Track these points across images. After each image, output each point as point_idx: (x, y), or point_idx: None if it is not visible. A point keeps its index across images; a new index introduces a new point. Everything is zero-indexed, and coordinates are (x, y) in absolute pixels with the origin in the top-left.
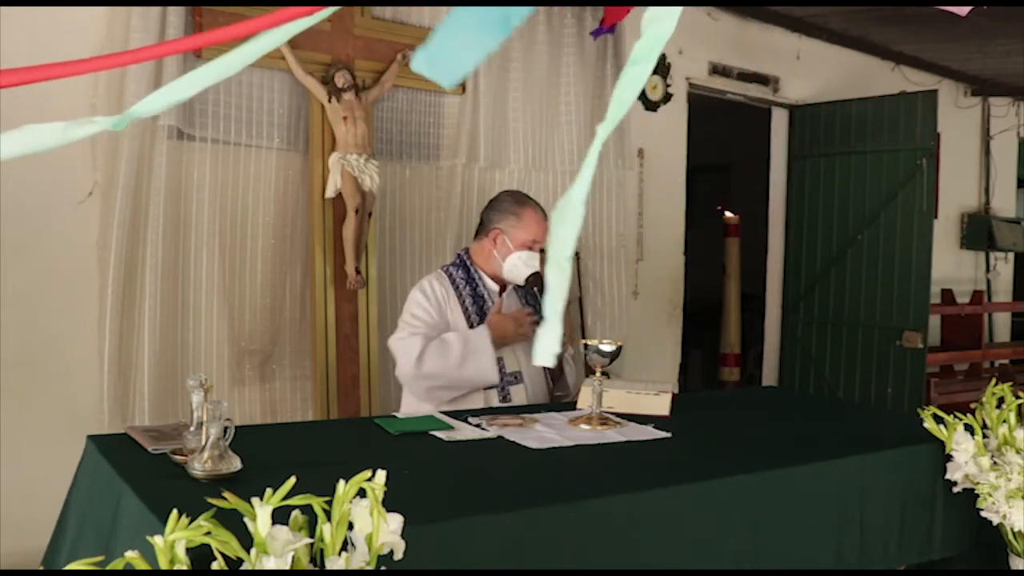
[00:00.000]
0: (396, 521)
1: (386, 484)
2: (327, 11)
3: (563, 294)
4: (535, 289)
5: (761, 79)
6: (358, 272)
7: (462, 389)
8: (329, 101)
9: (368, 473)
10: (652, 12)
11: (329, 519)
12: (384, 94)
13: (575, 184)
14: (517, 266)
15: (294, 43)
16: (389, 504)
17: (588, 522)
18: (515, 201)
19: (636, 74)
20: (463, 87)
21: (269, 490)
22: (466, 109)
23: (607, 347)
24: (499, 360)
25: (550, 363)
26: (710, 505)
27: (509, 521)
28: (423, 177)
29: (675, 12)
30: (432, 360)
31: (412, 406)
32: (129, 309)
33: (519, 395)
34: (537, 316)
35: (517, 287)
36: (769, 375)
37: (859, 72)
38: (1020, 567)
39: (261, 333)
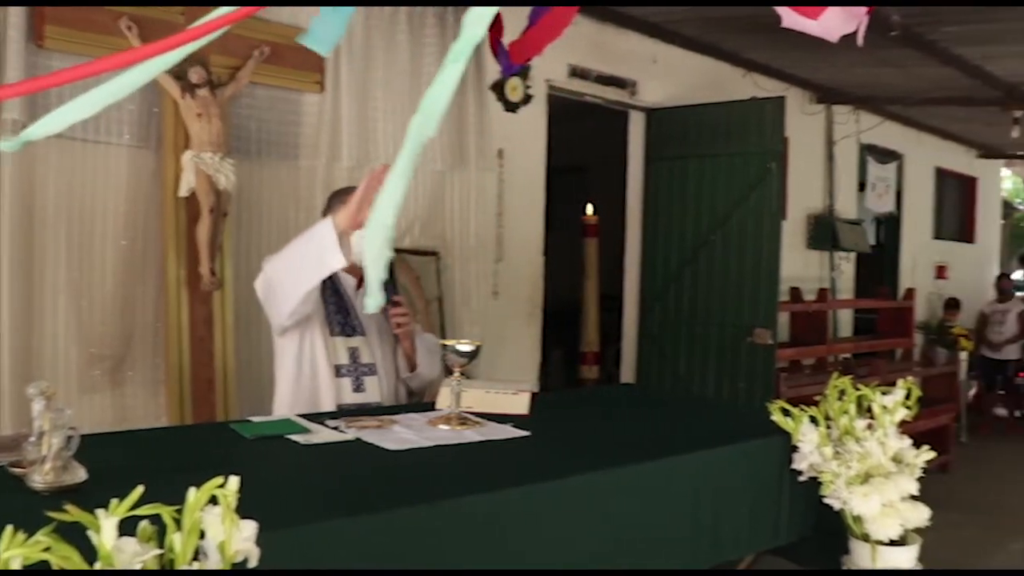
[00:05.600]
0: (250, 528)
1: (240, 490)
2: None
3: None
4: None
5: (619, 82)
6: (213, 273)
7: (308, 278)
8: (183, 97)
9: (220, 479)
10: (469, 16)
11: (180, 528)
12: (241, 91)
13: (396, 169)
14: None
15: (146, 35)
16: (244, 511)
17: (448, 522)
18: (348, 190)
19: (453, 72)
20: (322, 85)
21: (115, 500)
22: (326, 108)
23: (465, 347)
24: (354, 351)
25: (373, 309)
26: (568, 503)
27: (369, 523)
28: (282, 176)
29: (486, 18)
30: (276, 256)
31: (286, 406)
32: None
33: (372, 386)
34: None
35: None
36: (627, 373)
37: (713, 77)
38: (858, 549)
39: (112, 337)
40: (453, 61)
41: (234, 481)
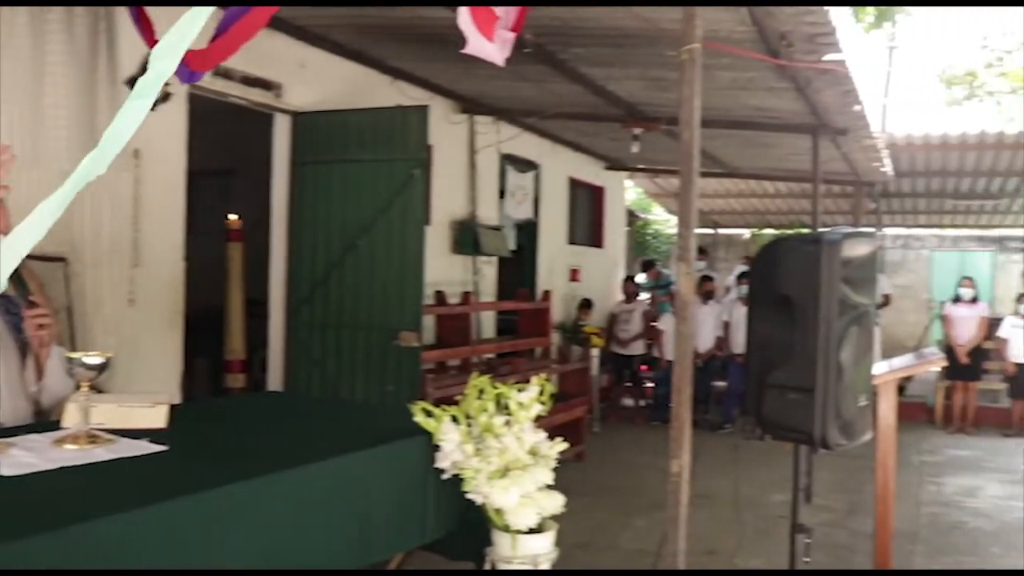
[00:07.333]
0: None
1: None
2: None
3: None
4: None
5: (264, 84)
6: None
7: None
8: None
9: None
10: (158, 49)
11: None
12: None
13: (51, 201)
14: None
15: None
16: None
17: (77, 549)
18: None
19: (137, 109)
20: None
21: None
22: None
23: (92, 359)
24: None
25: None
26: (210, 516)
27: None
28: None
29: (178, 51)
30: None
31: None
32: None
33: None
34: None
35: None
36: (275, 379)
37: (360, 83)
38: (500, 539)
39: None
40: (137, 97)
41: None
